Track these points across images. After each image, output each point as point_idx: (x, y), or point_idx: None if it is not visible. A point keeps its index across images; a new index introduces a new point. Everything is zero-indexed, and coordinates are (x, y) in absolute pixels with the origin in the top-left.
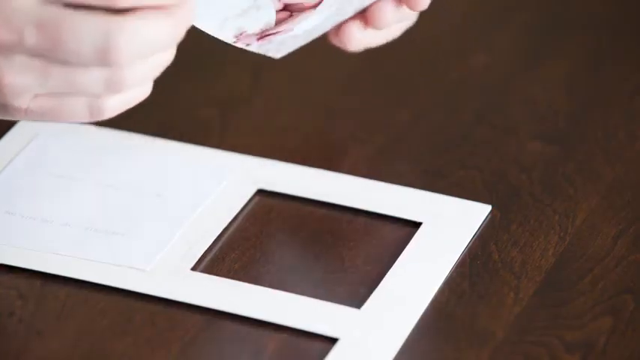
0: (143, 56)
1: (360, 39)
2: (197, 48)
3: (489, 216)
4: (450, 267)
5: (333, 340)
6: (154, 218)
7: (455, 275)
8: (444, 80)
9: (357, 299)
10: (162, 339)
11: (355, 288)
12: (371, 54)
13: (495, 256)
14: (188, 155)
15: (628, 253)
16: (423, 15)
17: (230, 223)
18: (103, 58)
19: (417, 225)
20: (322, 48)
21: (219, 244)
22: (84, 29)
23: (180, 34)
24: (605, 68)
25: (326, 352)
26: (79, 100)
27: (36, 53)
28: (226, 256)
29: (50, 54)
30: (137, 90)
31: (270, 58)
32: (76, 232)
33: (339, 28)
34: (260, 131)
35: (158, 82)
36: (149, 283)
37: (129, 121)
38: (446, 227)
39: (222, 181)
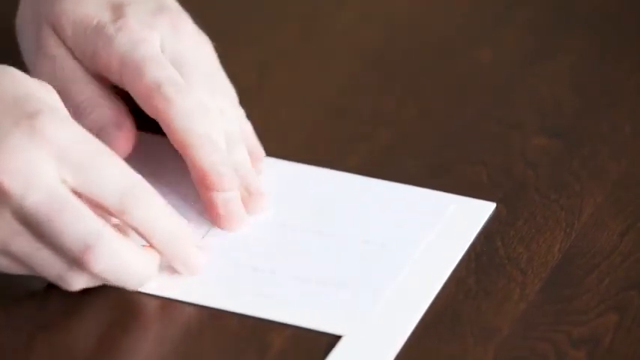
0: (109, 274)
1: None
2: None
3: (495, 212)
4: (456, 263)
5: (337, 337)
6: None
7: (460, 271)
8: (449, 76)
9: None
10: (168, 335)
11: None
12: (376, 51)
13: (501, 252)
14: None
15: (634, 249)
16: (427, 11)
17: None
18: (80, 256)
19: None
20: (325, 46)
21: None
22: (81, 224)
23: (148, 278)
24: (611, 63)
25: (331, 349)
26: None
27: (23, 219)
28: None
29: (37, 226)
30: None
31: (273, 56)
32: None
33: None
34: (264, 129)
35: None
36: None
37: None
38: (451, 224)
39: None
